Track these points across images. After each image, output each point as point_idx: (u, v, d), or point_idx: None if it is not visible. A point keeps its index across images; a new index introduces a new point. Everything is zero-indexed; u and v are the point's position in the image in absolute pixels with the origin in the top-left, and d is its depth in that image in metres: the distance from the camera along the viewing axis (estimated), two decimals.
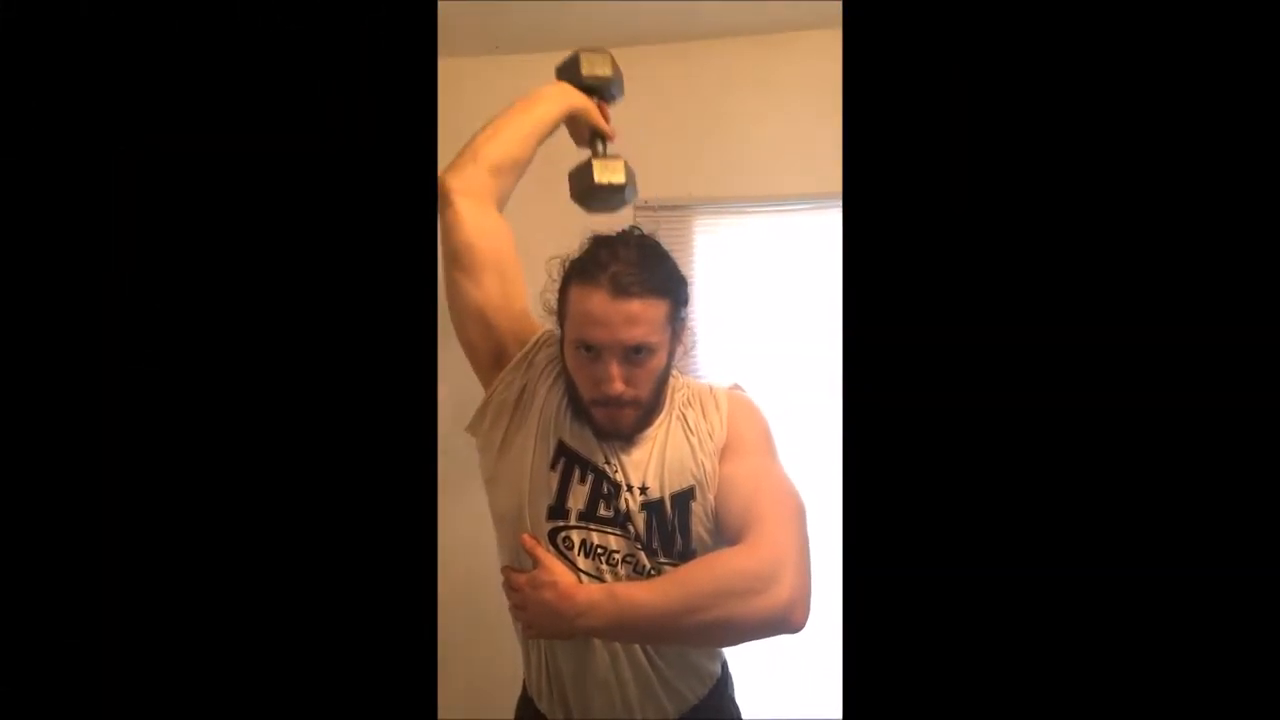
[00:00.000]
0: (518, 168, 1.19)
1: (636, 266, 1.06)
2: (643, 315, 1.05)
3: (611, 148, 1.29)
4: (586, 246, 1.12)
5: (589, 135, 1.29)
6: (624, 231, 1.15)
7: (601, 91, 1.29)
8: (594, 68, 1.26)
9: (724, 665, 1.26)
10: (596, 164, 1.24)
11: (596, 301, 1.04)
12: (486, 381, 1.19)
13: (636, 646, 1.12)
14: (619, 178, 1.22)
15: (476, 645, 2.02)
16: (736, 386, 1.26)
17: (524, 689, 1.25)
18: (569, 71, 1.28)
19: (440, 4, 1.68)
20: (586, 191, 1.23)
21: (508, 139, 1.17)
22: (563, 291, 1.11)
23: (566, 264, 1.13)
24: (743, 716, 1.27)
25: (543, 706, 1.19)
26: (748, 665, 1.34)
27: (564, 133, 1.29)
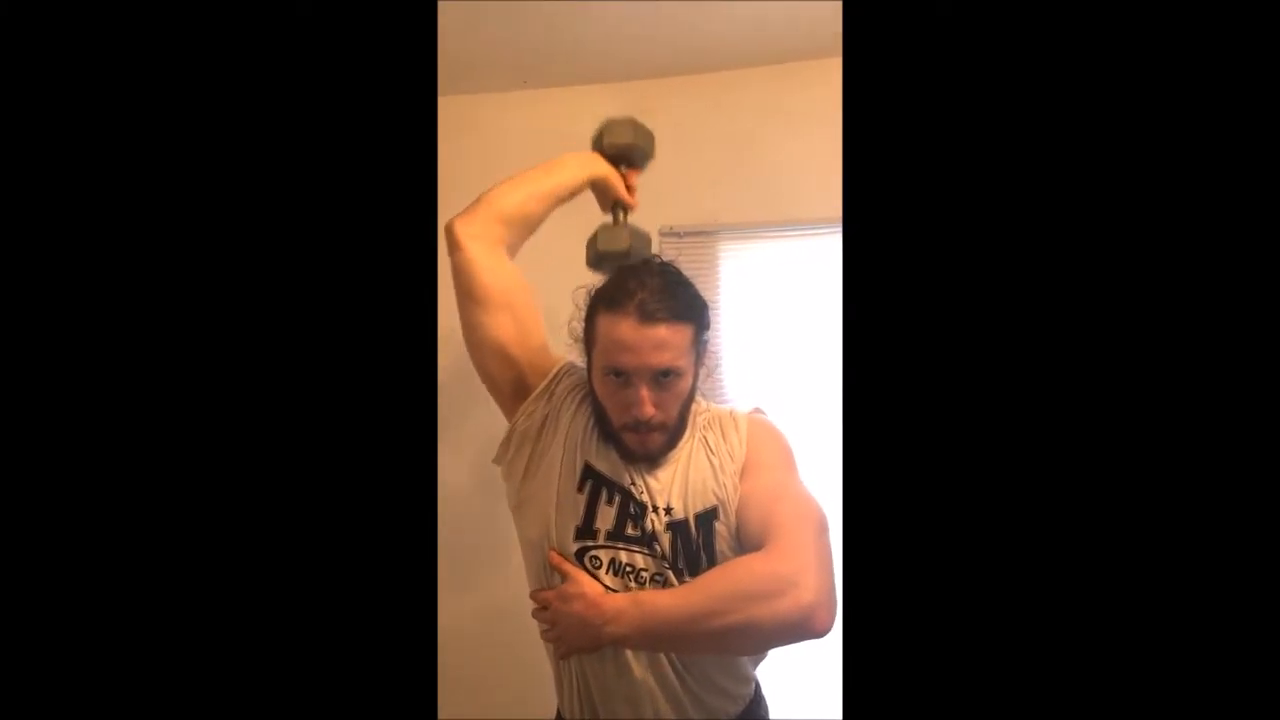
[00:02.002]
0: (529, 224, 1.23)
1: (662, 293, 1.08)
2: (670, 340, 1.08)
3: (633, 215, 1.34)
4: (612, 276, 1.15)
5: (610, 203, 1.34)
6: (647, 260, 1.18)
7: (625, 158, 1.33)
8: (613, 136, 1.32)
9: (757, 686, 1.26)
10: (602, 233, 1.30)
11: (625, 328, 1.07)
12: (509, 412, 1.22)
13: (666, 664, 1.13)
14: (619, 245, 1.29)
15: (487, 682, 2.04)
16: (757, 410, 1.27)
17: (558, 713, 1.26)
18: (597, 140, 1.33)
19: (469, 43, 1.77)
20: (594, 258, 1.31)
21: (524, 195, 1.22)
22: (590, 320, 1.14)
23: (592, 293, 1.16)
24: None
25: None
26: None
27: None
